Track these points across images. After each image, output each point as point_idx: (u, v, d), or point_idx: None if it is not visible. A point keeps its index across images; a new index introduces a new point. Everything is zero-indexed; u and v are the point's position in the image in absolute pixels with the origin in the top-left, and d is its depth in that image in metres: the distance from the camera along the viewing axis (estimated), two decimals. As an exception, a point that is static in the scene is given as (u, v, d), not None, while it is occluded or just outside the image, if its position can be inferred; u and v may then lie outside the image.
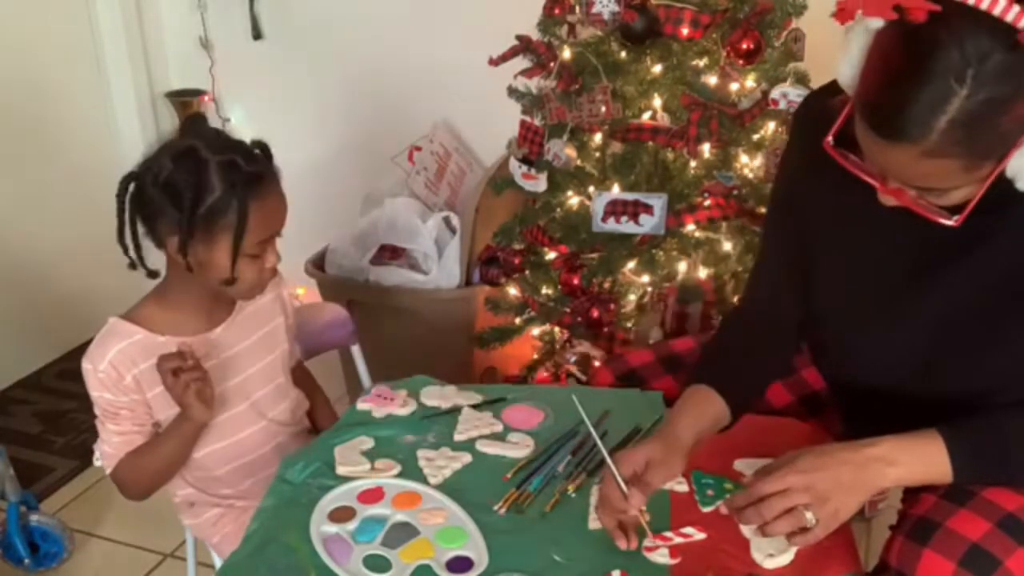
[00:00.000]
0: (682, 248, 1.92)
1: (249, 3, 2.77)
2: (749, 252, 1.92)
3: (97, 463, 1.34)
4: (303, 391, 1.54)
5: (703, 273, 1.96)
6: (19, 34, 2.58)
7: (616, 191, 1.91)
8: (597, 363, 2.02)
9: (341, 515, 1.17)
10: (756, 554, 1.09)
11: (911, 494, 1.17)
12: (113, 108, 2.90)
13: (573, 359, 2.10)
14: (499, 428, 1.35)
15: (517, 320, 2.20)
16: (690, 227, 1.89)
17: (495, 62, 1.98)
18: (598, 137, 1.97)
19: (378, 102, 2.76)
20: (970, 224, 0.97)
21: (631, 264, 1.95)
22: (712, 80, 1.86)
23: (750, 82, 1.86)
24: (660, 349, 1.52)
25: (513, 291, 2.19)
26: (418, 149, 2.54)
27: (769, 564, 1.07)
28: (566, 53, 1.91)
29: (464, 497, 1.19)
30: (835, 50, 0.98)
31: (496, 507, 1.18)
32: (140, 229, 1.28)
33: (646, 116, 1.91)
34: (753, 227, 1.90)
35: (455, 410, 1.39)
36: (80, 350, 1.35)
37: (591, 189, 1.95)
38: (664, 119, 1.88)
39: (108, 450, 1.32)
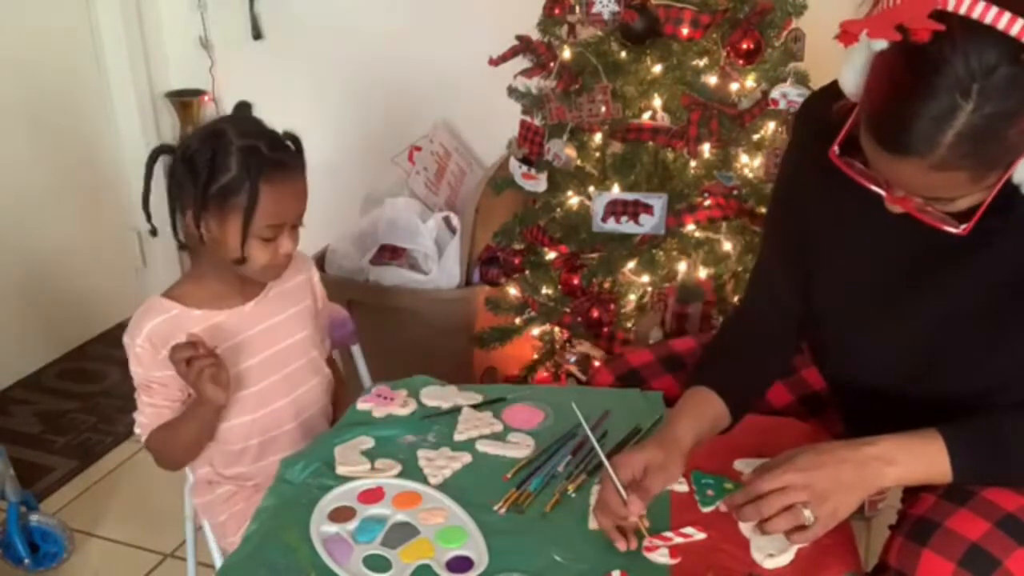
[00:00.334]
0: (682, 248, 1.92)
1: (249, 3, 2.78)
2: (749, 252, 1.92)
3: (136, 431, 1.40)
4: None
5: (703, 273, 1.96)
6: (19, 34, 2.58)
7: (616, 191, 1.91)
8: (597, 363, 2.02)
9: (341, 515, 1.17)
10: (756, 554, 1.09)
11: (911, 494, 1.17)
12: (113, 108, 2.90)
13: (573, 359, 2.10)
14: (499, 428, 1.35)
15: (517, 320, 2.20)
16: (690, 227, 1.90)
17: (495, 62, 1.98)
18: (598, 137, 1.97)
19: (378, 102, 2.76)
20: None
21: (631, 264, 1.95)
22: (712, 80, 1.86)
23: (750, 82, 1.86)
24: (660, 349, 1.52)
25: (513, 291, 2.19)
26: (418, 149, 2.54)
27: (769, 564, 1.07)
28: (566, 53, 1.91)
29: (464, 497, 1.19)
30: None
31: (496, 507, 1.18)
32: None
33: (646, 116, 1.91)
34: (753, 227, 1.90)
35: (455, 410, 1.40)
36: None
37: (591, 189, 1.95)
38: (664, 119, 1.88)
39: (143, 420, 1.38)
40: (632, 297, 2.04)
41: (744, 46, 1.77)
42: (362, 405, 1.42)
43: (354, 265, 2.42)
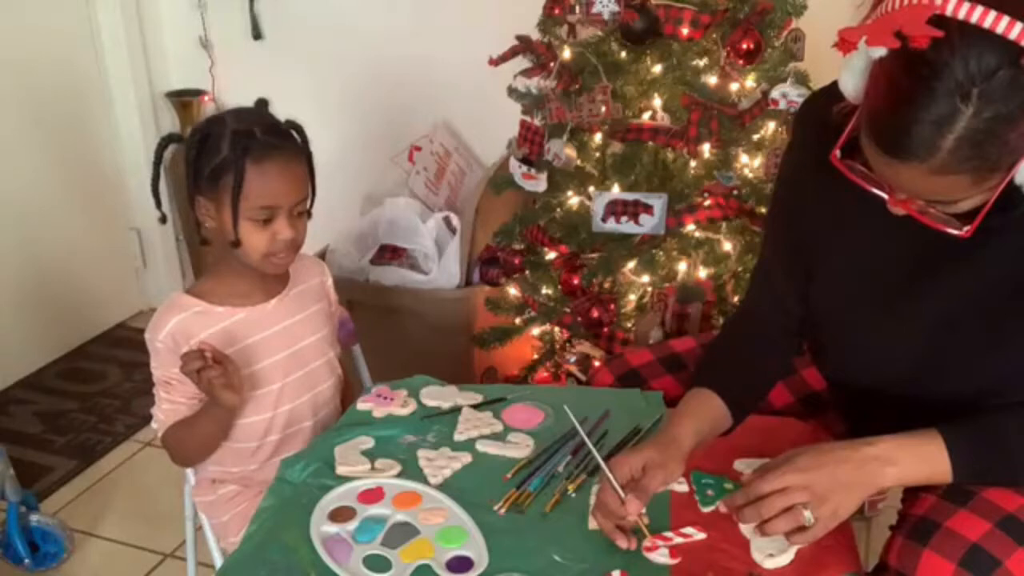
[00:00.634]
0: (682, 248, 1.92)
1: (249, 3, 2.77)
2: (749, 252, 1.92)
3: (153, 425, 1.41)
4: None
5: (703, 273, 1.96)
6: (19, 34, 2.58)
7: (616, 191, 1.91)
8: (597, 363, 2.02)
9: (341, 515, 1.17)
10: (756, 554, 1.09)
11: (911, 494, 1.17)
12: (113, 108, 2.89)
13: (573, 359, 2.10)
14: (499, 428, 1.35)
15: (517, 320, 2.20)
16: (690, 227, 1.90)
17: (495, 62, 1.98)
18: (598, 137, 1.97)
19: (378, 102, 2.76)
20: (973, 225, 0.97)
21: (631, 264, 1.95)
22: (712, 80, 1.85)
23: (750, 82, 1.86)
24: (660, 349, 1.52)
25: (513, 291, 2.19)
26: (418, 149, 2.55)
27: (769, 564, 1.07)
28: (566, 53, 1.91)
29: (464, 497, 1.19)
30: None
31: (496, 507, 1.18)
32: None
33: (646, 116, 1.90)
34: (753, 227, 1.90)
35: (455, 410, 1.40)
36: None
37: (591, 189, 1.95)
38: (664, 119, 1.88)
39: (160, 416, 1.39)
40: (632, 297, 2.04)
41: (744, 46, 1.77)
42: (362, 405, 1.42)
43: (354, 265, 2.42)
